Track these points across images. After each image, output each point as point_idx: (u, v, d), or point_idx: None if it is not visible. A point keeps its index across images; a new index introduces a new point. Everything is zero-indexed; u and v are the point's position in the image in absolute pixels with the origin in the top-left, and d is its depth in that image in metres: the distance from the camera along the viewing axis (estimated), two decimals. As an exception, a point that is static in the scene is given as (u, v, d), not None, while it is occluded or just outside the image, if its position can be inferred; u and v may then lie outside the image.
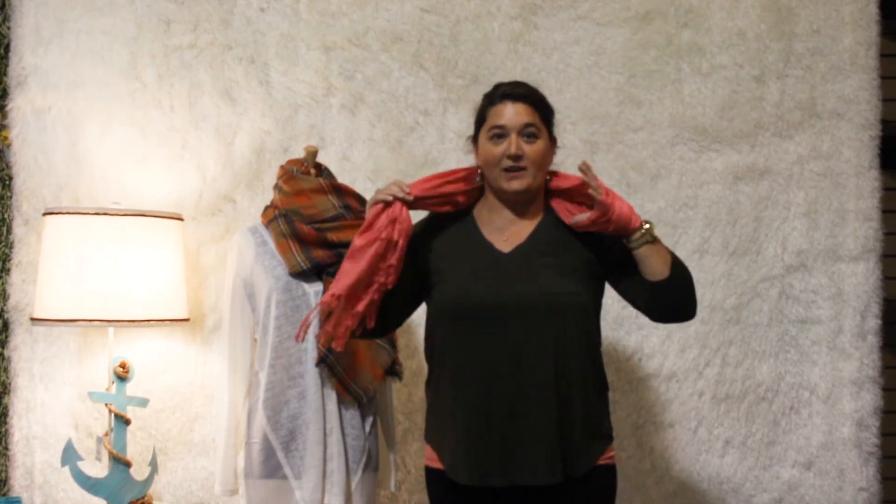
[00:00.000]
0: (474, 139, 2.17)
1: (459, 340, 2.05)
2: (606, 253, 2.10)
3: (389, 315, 2.12)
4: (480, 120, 2.13)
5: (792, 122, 3.09)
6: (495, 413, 2.01)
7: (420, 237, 2.15)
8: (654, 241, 2.05)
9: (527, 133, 2.06)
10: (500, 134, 2.07)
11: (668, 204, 3.06)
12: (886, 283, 3.10)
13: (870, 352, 3.06)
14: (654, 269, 2.06)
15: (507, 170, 2.06)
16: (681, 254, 3.04)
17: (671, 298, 2.10)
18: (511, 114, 2.07)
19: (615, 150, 3.06)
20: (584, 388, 2.06)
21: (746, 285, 3.06)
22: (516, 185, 2.06)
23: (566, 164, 3.02)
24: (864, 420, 3.05)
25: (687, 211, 3.06)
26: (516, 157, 2.05)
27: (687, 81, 3.08)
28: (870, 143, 3.09)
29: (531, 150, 2.06)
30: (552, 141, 2.15)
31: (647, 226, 2.04)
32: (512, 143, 2.05)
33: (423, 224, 2.21)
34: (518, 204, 2.11)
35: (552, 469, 1.99)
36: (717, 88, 3.08)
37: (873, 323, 3.07)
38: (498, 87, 2.14)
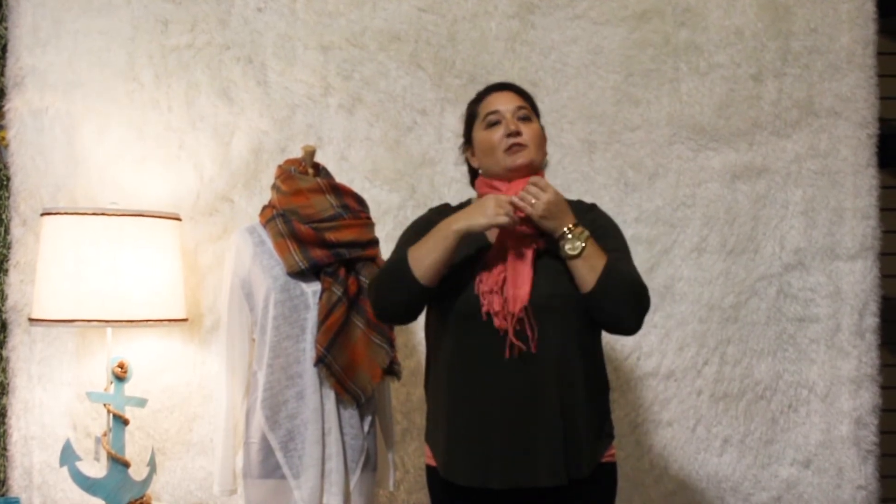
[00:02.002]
0: (467, 142, 2.21)
1: (461, 341, 2.05)
2: None
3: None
4: (472, 119, 2.18)
5: (789, 121, 3.09)
6: (498, 414, 2.01)
7: (434, 222, 2.14)
8: (575, 255, 1.97)
9: (520, 115, 2.12)
10: (496, 120, 2.11)
11: (666, 203, 3.06)
12: (884, 281, 3.10)
13: (868, 350, 3.06)
14: (580, 279, 1.99)
15: (509, 149, 2.08)
16: (679, 252, 3.05)
17: (598, 311, 2.01)
18: (503, 99, 2.13)
19: (613, 149, 3.06)
20: (586, 389, 2.05)
21: (744, 284, 3.06)
22: (521, 159, 2.08)
23: (564, 162, 3.03)
24: (863, 418, 3.05)
25: (685, 210, 3.06)
26: (516, 133, 2.08)
27: (684, 80, 3.08)
28: (867, 141, 3.10)
29: (528, 129, 2.11)
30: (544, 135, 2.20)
31: (568, 237, 1.97)
32: (509, 122, 2.09)
33: (430, 213, 2.21)
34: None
35: (556, 471, 1.99)
36: (714, 87, 3.08)
37: (871, 321, 3.07)
38: (483, 88, 2.22)
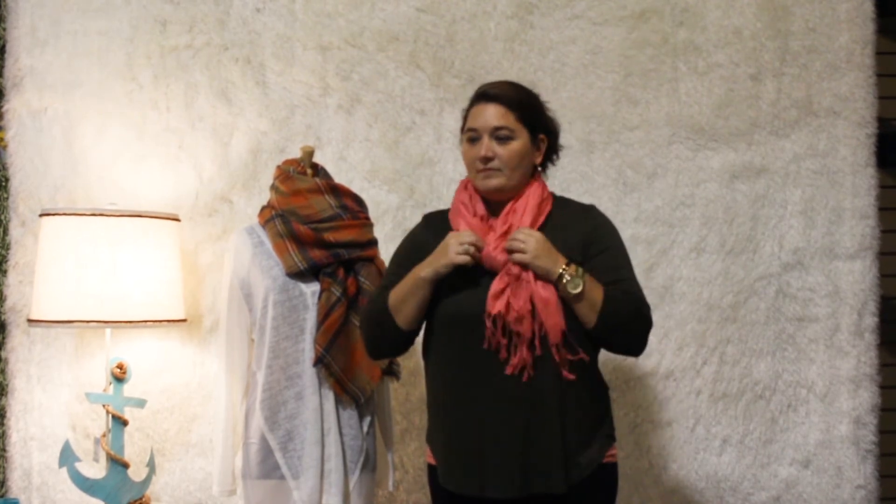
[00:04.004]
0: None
1: (452, 350, 2.06)
2: (589, 260, 2.08)
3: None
4: (463, 122, 2.17)
5: (788, 121, 3.09)
6: (496, 421, 2.01)
7: (423, 244, 2.16)
8: (578, 293, 1.98)
9: (498, 136, 2.07)
10: (474, 137, 2.09)
11: (665, 202, 3.06)
12: (883, 280, 3.10)
13: (867, 349, 3.06)
14: (582, 317, 2.01)
15: (480, 171, 2.08)
16: (678, 252, 3.05)
17: (603, 343, 2.08)
18: (483, 116, 2.08)
19: (612, 148, 3.06)
20: (585, 391, 2.06)
21: (743, 283, 3.06)
22: (490, 183, 2.08)
23: (562, 162, 3.00)
24: (862, 418, 3.05)
25: (684, 209, 3.06)
26: (486, 160, 2.06)
27: (683, 80, 3.08)
28: (866, 140, 3.10)
29: (504, 151, 2.07)
30: (540, 139, 2.15)
31: (566, 278, 1.98)
32: (483, 146, 2.07)
33: (423, 229, 2.22)
34: (500, 204, 2.11)
35: (555, 480, 2.00)
36: (713, 87, 3.08)
37: (870, 321, 3.07)
38: (479, 88, 2.16)
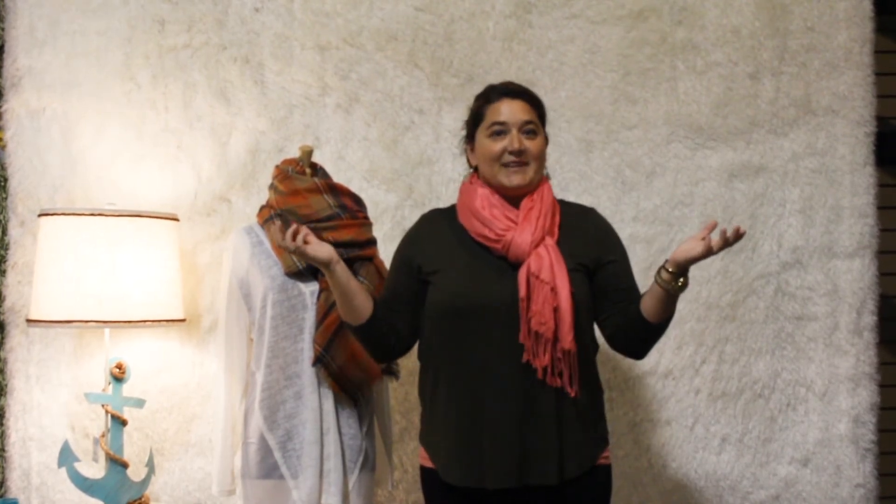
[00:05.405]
0: (469, 140, 2.19)
1: (454, 342, 2.05)
2: (603, 266, 2.12)
3: (401, 329, 2.17)
4: (477, 119, 2.16)
5: (787, 119, 3.09)
6: (493, 415, 2.01)
7: (415, 240, 2.16)
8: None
9: (527, 129, 2.10)
10: (501, 131, 2.10)
11: (664, 201, 3.06)
12: (882, 279, 3.11)
13: (866, 348, 3.06)
14: (660, 312, 2.06)
15: (508, 164, 2.08)
16: (676, 251, 3.05)
17: (643, 339, 2.13)
18: (511, 110, 2.11)
19: (610, 148, 3.06)
20: (581, 391, 2.06)
21: (742, 282, 3.06)
22: (518, 179, 2.08)
23: (561, 161, 3.03)
24: (861, 416, 3.05)
25: (682, 209, 3.07)
26: (519, 152, 2.08)
27: (682, 79, 3.08)
28: (864, 139, 3.10)
29: (532, 145, 2.10)
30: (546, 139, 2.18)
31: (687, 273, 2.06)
32: (514, 139, 2.08)
33: (417, 226, 2.23)
34: (517, 200, 2.11)
35: (548, 472, 2.01)
36: (711, 86, 3.08)
37: (869, 319, 3.07)
38: (493, 86, 2.18)
